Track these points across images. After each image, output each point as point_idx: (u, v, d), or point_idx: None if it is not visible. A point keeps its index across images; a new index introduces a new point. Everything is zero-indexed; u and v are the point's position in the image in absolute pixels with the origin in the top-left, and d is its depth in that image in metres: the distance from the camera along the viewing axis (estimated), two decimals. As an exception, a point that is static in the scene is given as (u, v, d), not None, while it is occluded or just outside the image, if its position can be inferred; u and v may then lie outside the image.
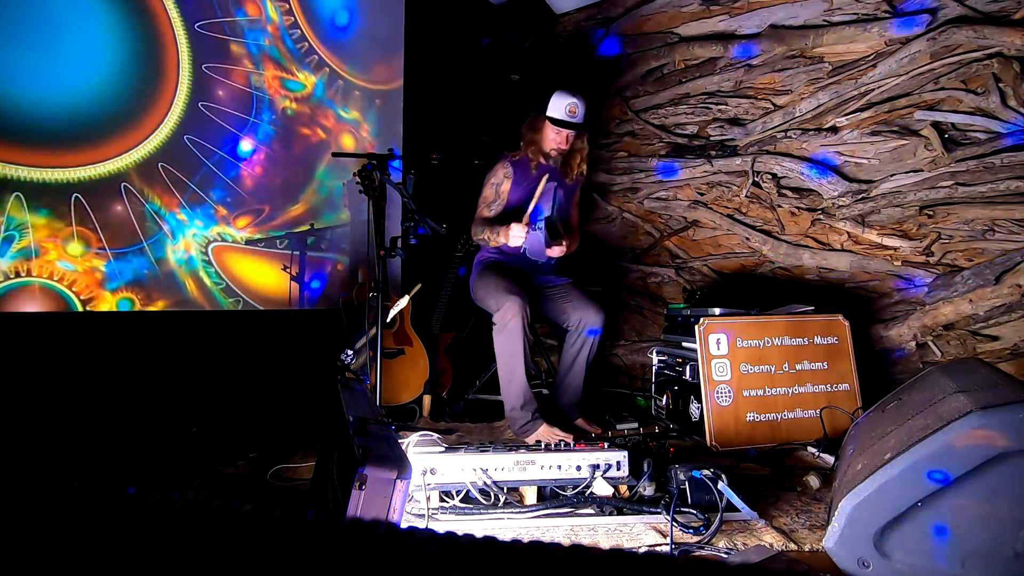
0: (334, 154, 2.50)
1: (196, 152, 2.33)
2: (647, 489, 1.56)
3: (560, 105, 2.34)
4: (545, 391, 2.80)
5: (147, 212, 2.17)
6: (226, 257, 2.44)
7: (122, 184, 2.09)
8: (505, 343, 2.20)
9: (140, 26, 2.16)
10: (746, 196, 3.11)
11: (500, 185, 2.45)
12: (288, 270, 2.70)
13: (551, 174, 2.41)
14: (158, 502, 0.39)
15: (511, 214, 2.43)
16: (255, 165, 2.55)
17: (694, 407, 2.36)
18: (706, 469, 1.50)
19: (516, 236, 2.29)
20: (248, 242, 2.52)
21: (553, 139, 2.40)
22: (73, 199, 1.97)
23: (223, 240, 2.42)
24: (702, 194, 3.31)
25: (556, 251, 2.44)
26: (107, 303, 2.06)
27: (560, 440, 1.97)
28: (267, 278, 2.61)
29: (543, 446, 1.65)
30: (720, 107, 3.19)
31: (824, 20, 2.81)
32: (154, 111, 2.21)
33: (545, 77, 3.78)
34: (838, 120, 2.77)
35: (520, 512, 1.49)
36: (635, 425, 2.55)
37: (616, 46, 3.47)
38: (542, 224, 2.46)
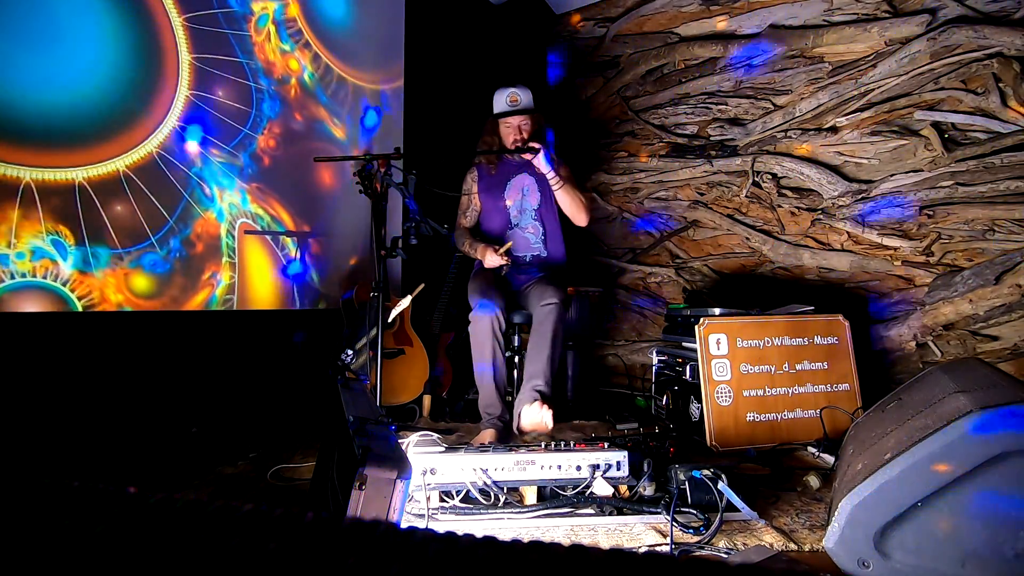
0: (334, 157, 2.50)
1: (195, 151, 2.33)
2: (647, 489, 1.56)
3: (501, 100, 2.43)
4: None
5: (149, 212, 2.17)
6: (245, 243, 2.44)
7: (124, 183, 2.09)
8: (473, 347, 2.29)
9: (139, 26, 2.17)
10: (746, 196, 3.11)
11: (471, 190, 2.57)
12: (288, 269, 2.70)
13: (517, 168, 2.51)
14: (158, 502, 0.39)
15: (487, 218, 2.56)
16: (254, 165, 2.55)
17: (694, 407, 2.36)
18: (706, 469, 1.50)
19: (489, 262, 2.41)
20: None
21: (508, 132, 2.44)
22: (74, 199, 1.97)
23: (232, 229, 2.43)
24: (702, 194, 3.31)
25: (540, 163, 2.33)
26: (108, 303, 2.06)
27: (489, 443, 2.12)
28: (267, 277, 2.61)
29: (543, 446, 1.66)
30: (720, 107, 3.19)
31: (824, 20, 2.81)
32: (153, 111, 2.21)
33: (545, 77, 3.79)
34: (838, 120, 2.77)
35: (520, 512, 1.49)
36: (635, 425, 2.55)
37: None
38: (521, 224, 2.53)
